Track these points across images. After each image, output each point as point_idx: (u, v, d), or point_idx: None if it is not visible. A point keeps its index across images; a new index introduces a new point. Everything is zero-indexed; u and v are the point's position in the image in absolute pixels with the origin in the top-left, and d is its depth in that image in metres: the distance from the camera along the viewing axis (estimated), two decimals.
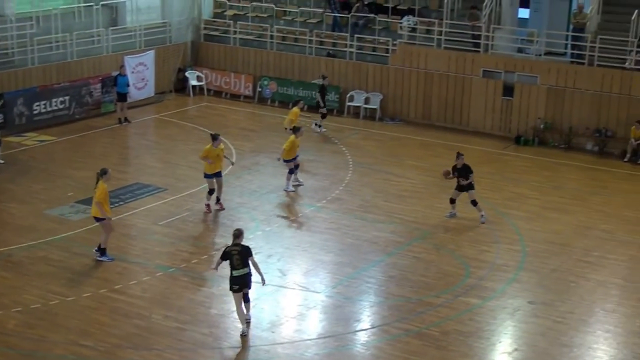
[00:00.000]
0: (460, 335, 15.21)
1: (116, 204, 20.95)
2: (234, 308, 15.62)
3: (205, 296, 16.48)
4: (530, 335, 15.39)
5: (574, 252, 19.09)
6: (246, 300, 15.21)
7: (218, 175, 20.69)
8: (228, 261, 14.90)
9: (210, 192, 20.78)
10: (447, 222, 20.61)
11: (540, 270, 18.08)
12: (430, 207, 21.60)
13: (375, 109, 30.54)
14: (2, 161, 23.84)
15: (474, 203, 20.54)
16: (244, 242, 15.09)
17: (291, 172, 22.48)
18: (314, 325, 15.68)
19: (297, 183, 22.86)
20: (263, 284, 15.21)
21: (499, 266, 18.14)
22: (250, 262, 14.91)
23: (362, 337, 15.19)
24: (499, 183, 23.61)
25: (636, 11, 27.14)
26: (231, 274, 14.90)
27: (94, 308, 15.79)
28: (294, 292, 16.86)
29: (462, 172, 20.44)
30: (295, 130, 22.63)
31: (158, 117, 30.39)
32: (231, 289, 14.95)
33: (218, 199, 20.96)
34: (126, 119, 28.97)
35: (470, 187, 20.53)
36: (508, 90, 28.37)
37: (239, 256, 14.82)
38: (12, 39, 27.97)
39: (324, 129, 28.71)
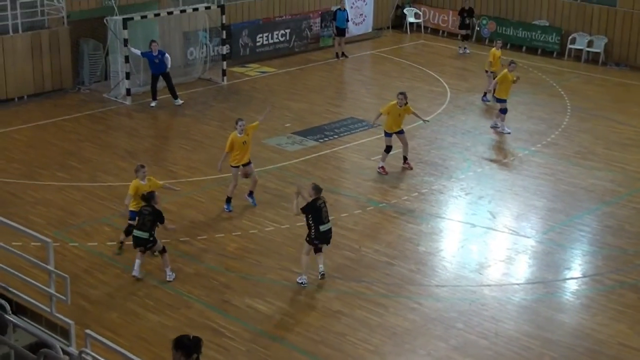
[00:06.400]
0: None
1: (330, 137, 21.43)
2: (442, 247, 15.73)
3: (413, 233, 16.59)
4: None
5: None
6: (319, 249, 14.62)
7: (400, 132, 19.25)
8: (310, 215, 14.22)
9: (387, 149, 19.21)
10: None
11: None
12: None
13: (598, 52, 29.15)
14: (181, 101, 24.06)
15: None
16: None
17: (503, 111, 21.88)
18: (523, 269, 15.44)
19: (498, 128, 22.09)
20: None
21: None
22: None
23: (573, 286, 14.80)
24: None
25: None
26: (317, 229, 14.21)
27: None
28: (503, 236, 16.63)
29: None
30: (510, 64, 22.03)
31: (374, 52, 30.56)
32: (312, 242, 14.40)
33: (405, 159, 19.60)
34: (343, 54, 29.34)
35: None
36: None
37: (326, 208, 14.35)
38: None
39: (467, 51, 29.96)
